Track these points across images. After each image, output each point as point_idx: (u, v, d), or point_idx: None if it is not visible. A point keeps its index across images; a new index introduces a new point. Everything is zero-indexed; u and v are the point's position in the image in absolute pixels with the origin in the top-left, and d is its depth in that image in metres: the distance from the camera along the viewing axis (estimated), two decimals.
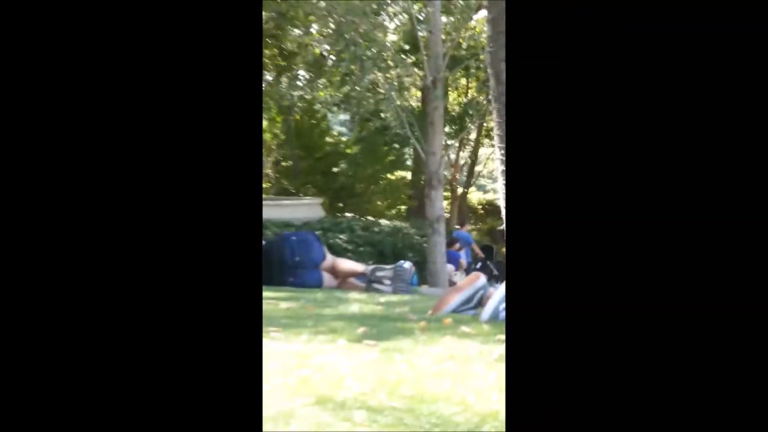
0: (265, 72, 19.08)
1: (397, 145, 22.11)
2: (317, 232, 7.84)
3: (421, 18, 15.76)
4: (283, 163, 22.00)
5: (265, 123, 21.91)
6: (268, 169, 21.68)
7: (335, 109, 18.67)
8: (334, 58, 16.50)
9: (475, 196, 30.50)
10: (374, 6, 15.95)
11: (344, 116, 20.40)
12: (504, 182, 6.49)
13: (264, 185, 20.36)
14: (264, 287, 5.47)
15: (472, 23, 16.69)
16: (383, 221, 19.25)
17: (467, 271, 15.28)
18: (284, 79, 17.91)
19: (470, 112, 21.29)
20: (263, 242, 6.14)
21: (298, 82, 17.68)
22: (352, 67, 15.87)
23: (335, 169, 21.25)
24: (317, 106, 18.41)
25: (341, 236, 14.53)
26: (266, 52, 19.20)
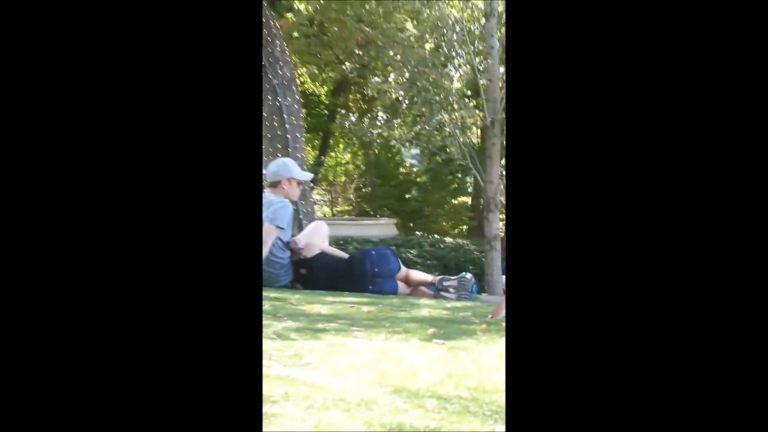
0: (349, 113, 19.15)
1: (460, 175, 22.19)
2: (392, 248, 7.84)
3: (482, 68, 15.75)
4: (364, 190, 22.05)
5: (348, 156, 21.99)
6: (350, 194, 21.74)
7: (408, 144, 18.73)
8: (407, 101, 16.53)
9: None
10: (442, 58, 15.97)
11: (415, 150, 20.42)
12: None
13: (346, 207, 20.41)
14: (348, 294, 5.48)
15: None
16: (447, 239, 19.30)
17: None
18: (366, 120, 17.94)
19: None
20: (347, 256, 6.12)
21: (377, 122, 17.72)
22: (423, 109, 15.99)
23: (407, 195, 21.29)
24: (393, 142, 18.44)
25: (412, 251, 14.57)
26: (350, 96, 19.27)
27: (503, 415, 2.25)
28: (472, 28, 15.85)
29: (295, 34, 15.00)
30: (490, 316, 4.56)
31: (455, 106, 16.02)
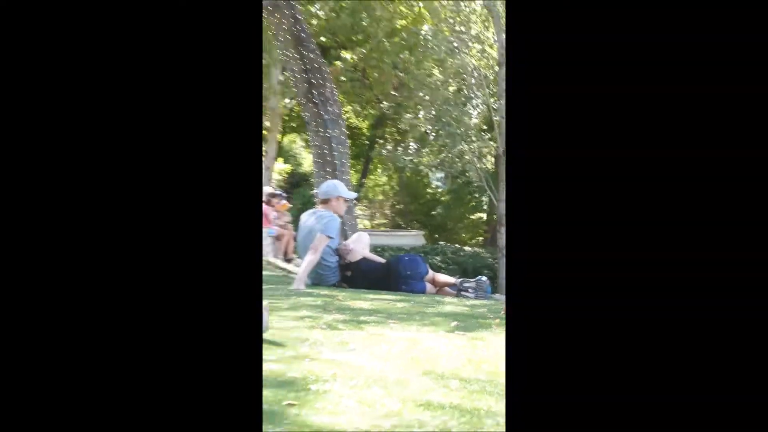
0: (386, 143, 19.14)
1: (476, 195, 22.15)
2: (421, 254, 7.85)
3: (495, 107, 15.71)
4: (397, 207, 22.01)
5: (384, 178, 21.95)
6: (386, 210, 21.72)
7: (434, 169, 18.75)
8: (434, 134, 16.53)
9: None
10: (462, 99, 15.97)
11: (440, 174, 20.40)
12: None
13: (383, 221, 20.36)
14: (385, 292, 5.49)
15: None
16: (466, 248, 19.28)
17: None
18: (399, 149, 17.95)
19: None
20: (384, 261, 6.14)
21: (409, 151, 17.72)
22: (446, 140, 15.98)
23: (433, 212, 21.23)
24: (421, 167, 18.43)
25: (437, 258, 14.56)
26: (387, 129, 19.27)
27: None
28: (488, 74, 15.84)
29: (343, 78, 15.04)
30: (502, 312, 4.58)
31: (473, 138, 16.02)
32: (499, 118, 15.26)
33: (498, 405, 2.49)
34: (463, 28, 15.34)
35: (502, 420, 2.39)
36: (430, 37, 15.15)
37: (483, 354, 3.22)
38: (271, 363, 2.89)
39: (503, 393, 2.71)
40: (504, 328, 3.93)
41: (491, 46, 15.68)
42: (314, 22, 13.70)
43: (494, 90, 15.75)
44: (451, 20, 15.38)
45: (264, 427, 1.98)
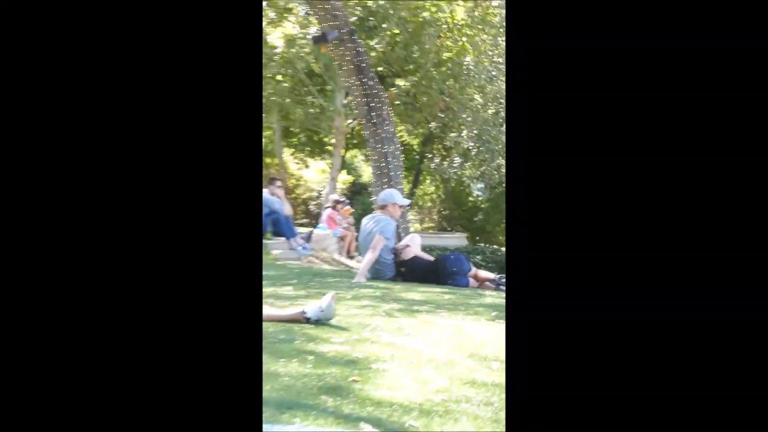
0: (434, 158, 19.13)
1: None
2: (464, 254, 7.84)
3: None
4: (443, 212, 21.96)
5: (432, 188, 21.89)
6: (434, 216, 21.69)
7: (475, 180, 18.69)
8: (475, 150, 16.47)
9: None
10: (500, 120, 15.91)
11: (480, 185, 20.31)
12: None
13: (431, 225, 20.32)
14: (433, 286, 5.49)
15: None
16: (503, 249, 19.28)
17: None
18: (445, 163, 17.88)
19: None
20: (433, 259, 6.14)
21: (453, 164, 17.65)
22: (486, 155, 15.90)
23: (475, 218, 21.15)
24: (464, 179, 18.37)
25: (478, 257, 14.51)
26: (434, 146, 19.24)
27: None
28: None
29: (397, 101, 15.06)
30: None
31: None
32: None
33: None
34: (500, 60, 15.27)
35: None
36: (472, 67, 15.11)
37: None
38: (338, 345, 2.91)
39: None
40: None
41: None
42: (373, 54, 13.72)
43: None
44: (490, 53, 15.34)
45: (328, 402, 1.96)
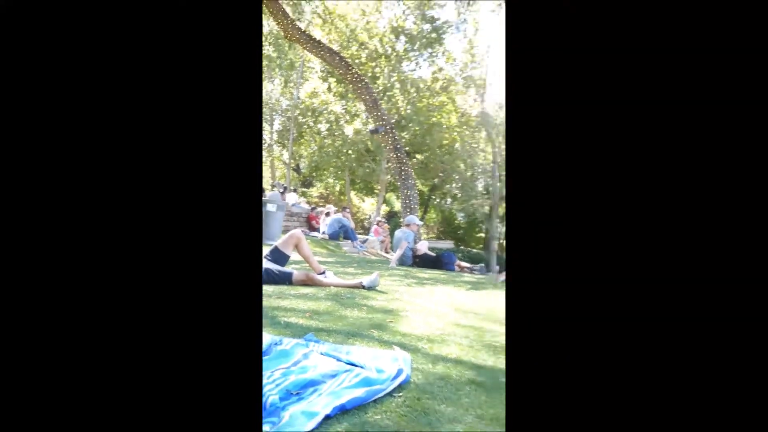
0: (435, 198, 18.92)
1: (481, 224, 21.95)
2: (453, 253, 7.81)
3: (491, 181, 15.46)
4: (440, 229, 21.75)
5: (435, 215, 21.68)
6: (435, 231, 21.44)
7: (459, 211, 18.50)
8: (459, 195, 16.32)
9: None
10: (474, 180, 15.76)
11: (462, 214, 20.01)
12: None
13: (433, 236, 20.07)
14: (435, 270, 5.48)
15: None
16: (474, 250, 19.04)
17: None
18: (442, 201, 17.76)
19: None
20: (435, 255, 6.12)
21: (447, 202, 17.51)
22: (465, 198, 15.74)
23: (458, 232, 20.85)
24: (453, 210, 18.23)
25: (460, 254, 14.42)
26: (436, 191, 19.11)
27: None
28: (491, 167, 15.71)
29: (416, 166, 15.06)
30: (496, 280, 4.53)
31: (478, 198, 15.78)
32: (492, 188, 15.01)
33: (494, 326, 2.44)
34: (476, 144, 15.21)
35: (500, 336, 2.34)
36: (458, 148, 15.09)
37: (483, 300, 3.19)
38: (381, 301, 2.91)
39: (496, 317, 2.65)
40: (495, 288, 3.88)
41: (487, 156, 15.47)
42: (403, 140, 13.76)
43: (490, 176, 15.53)
44: (469, 141, 15.30)
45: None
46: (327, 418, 1.23)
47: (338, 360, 1.61)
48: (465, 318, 2.57)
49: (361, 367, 1.55)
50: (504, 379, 1.65)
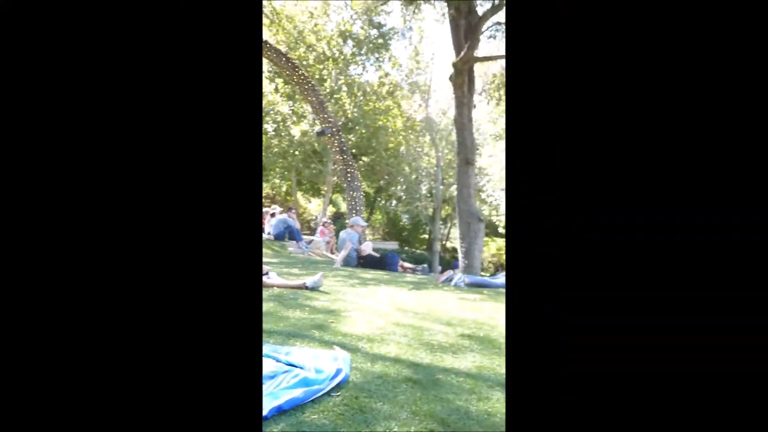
0: (381, 200, 19.01)
1: (425, 226, 22.29)
2: (396, 253, 7.89)
3: (434, 185, 15.70)
4: (385, 230, 21.89)
5: (380, 217, 21.78)
6: (380, 232, 21.53)
7: (403, 213, 18.69)
8: (404, 197, 16.50)
9: None
10: (419, 183, 15.96)
11: (407, 216, 20.22)
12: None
13: (378, 237, 20.16)
14: (379, 271, 5.51)
15: None
16: (418, 251, 19.39)
17: None
18: (387, 203, 17.88)
19: None
20: (379, 255, 6.17)
21: (392, 204, 17.65)
22: (410, 201, 15.94)
23: (402, 234, 21.08)
24: (398, 212, 18.40)
25: (404, 255, 14.57)
26: (382, 194, 19.22)
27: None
28: (432, 171, 15.98)
29: (362, 168, 15.09)
30: (436, 280, 4.61)
31: (422, 200, 16.02)
32: (435, 191, 15.24)
33: (433, 325, 2.49)
34: (420, 149, 15.45)
35: (438, 327, 2.38)
36: (403, 152, 15.26)
37: (423, 300, 3.25)
38: (323, 302, 2.90)
39: (435, 316, 2.70)
40: (435, 288, 3.95)
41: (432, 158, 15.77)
42: (350, 142, 13.75)
43: (434, 179, 15.79)
44: (414, 144, 15.53)
45: (310, 335, 1.98)
46: (264, 419, 1.22)
47: (277, 361, 1.60)
48: (405, 317, 2.61)
49: (300, 368, 1.55)
50: (440, 376, 1.69)
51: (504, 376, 1.71)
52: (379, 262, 5.92)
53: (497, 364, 1.88)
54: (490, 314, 2.90)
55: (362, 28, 14.24)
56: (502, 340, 2.27)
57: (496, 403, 1.51)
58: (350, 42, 14.34)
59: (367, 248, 6.12)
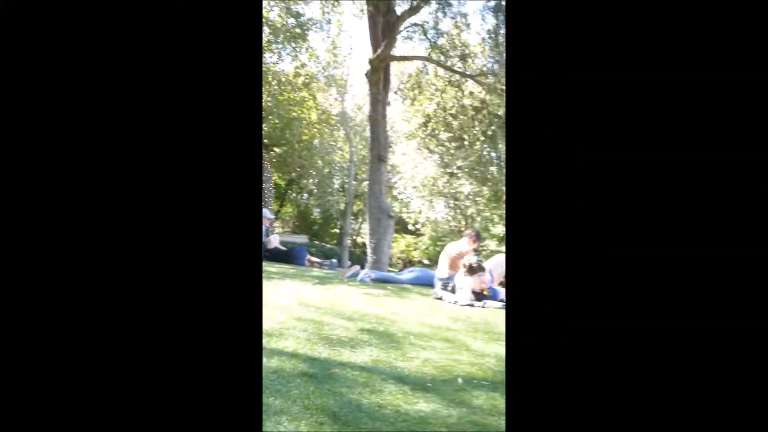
0: (292, 193, 18.72)
1: (336, 220, 22.26)
2: (305, 247, 7.81)
3: (347, 180, 15.70)
4: (296, 224, 21.61)
5: (291, 209, 21.46)
6: (290, 225, 21.21)
7: (315, 207, 18.55)
8: (316, 190, 16.37)
9: None
10: (331, 177, 15.90)
11: (318, 209, 20.08)
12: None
13: (288, 230, 19.84)
14: (286, 265, 5.42)
15: None
16: (328, 245, 19.33)
17: None
18: (299, 196, 17.65)
19: None
20: (286, 249, 6.06)
21: (303, 197, 17.45)
22: (322, 194, 15.86)
23: (313, 227, 20.94)
24: (309, 206, 18.22)
25: (313, 249, 14.48)
26: (293, 186, 18.93)
27: None
28: (344, 165, 15.97)
29: (274, 159, 14.72)
30: (342, 275, 4.64)
31: (334, 195, 15.97)
32: (347, 186, 15.27)
33: (334, 319, 2.49)
34: (334, 143, 15.38)
35: (339, 321, 2.39)
36: (317, 145, 15.11)
37: (327, 294, 3.26)
38: None
39: (338, 310, 2.71)
40: (340, 283, 3.97)
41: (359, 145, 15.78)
42: (263, 132, 13.35)
43: (346, 174, 15.80)
44: (329, 138, 15.43)
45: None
46: None
47: None
48: (307, 312, 2.59)
49: None
50: (335, 370, 1.70)
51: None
52: (286, 256, 5.82)
53: (393, 357, 1.93)
54: (393, 309, 2.96)
55: (279, 15, 13.87)
56: (402, 334, 2.33)
57: (388, 395, 1.55)
58: (266, 29, 13.91)
59: (274, 241, 5.98)
